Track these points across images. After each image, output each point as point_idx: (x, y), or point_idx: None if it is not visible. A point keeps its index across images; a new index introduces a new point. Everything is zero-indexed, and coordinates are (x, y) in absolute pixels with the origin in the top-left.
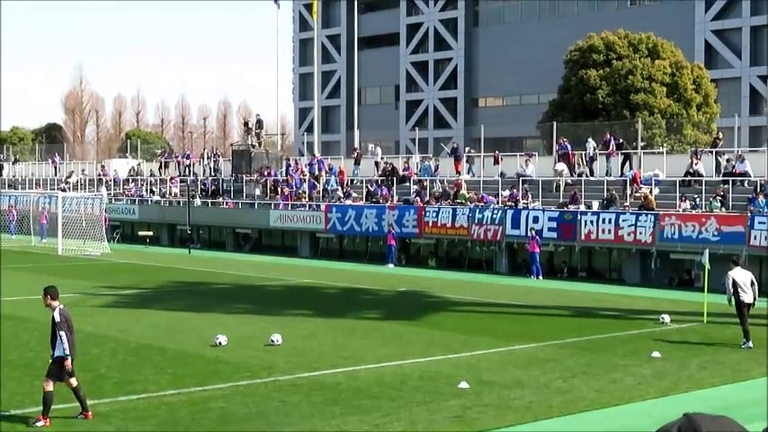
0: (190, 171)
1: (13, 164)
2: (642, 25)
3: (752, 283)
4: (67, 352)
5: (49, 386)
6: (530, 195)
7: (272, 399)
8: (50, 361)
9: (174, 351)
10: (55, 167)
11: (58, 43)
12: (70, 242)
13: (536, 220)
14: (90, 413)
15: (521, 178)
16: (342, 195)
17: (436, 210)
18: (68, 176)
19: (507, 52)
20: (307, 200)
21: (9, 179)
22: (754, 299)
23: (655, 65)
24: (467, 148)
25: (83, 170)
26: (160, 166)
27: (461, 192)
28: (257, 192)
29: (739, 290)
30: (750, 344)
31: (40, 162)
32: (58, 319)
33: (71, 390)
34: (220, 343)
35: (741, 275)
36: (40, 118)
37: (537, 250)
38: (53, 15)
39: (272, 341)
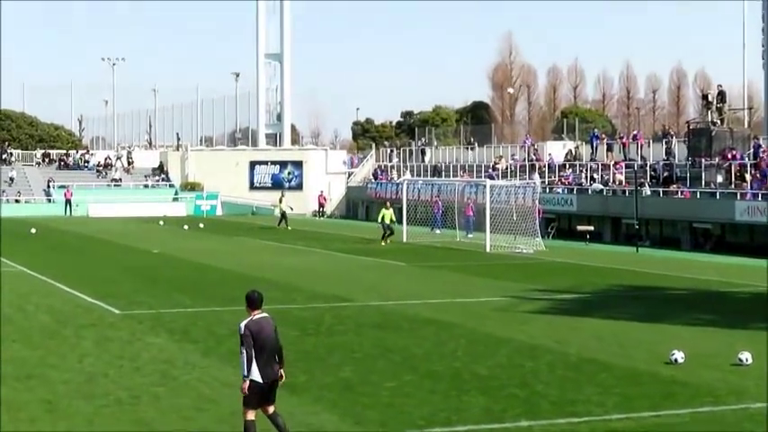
0: (637, 154)
1: (435, 148)
2: None
3: None
4: (245, 372)
5: (249, 415)
6: None
7: (740, 430)
8: None
9: (620, 368)
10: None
11: (487, 12)
12: (499, 237)
13: None
14: None
15: None
16: None
17: None
18: (496, 162)
19: None
20: None
21: (432, 165)
22: None
23: None
24: None
25: (512, 155)
26: (594, 150)
27: None
28: (719, 179)
29: None
30: None
31: (465, 146)
32: (241, 331)
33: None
34: (676, 360)
35: None
36: (465, 96)
37: None
38: None
39: (741, 360)
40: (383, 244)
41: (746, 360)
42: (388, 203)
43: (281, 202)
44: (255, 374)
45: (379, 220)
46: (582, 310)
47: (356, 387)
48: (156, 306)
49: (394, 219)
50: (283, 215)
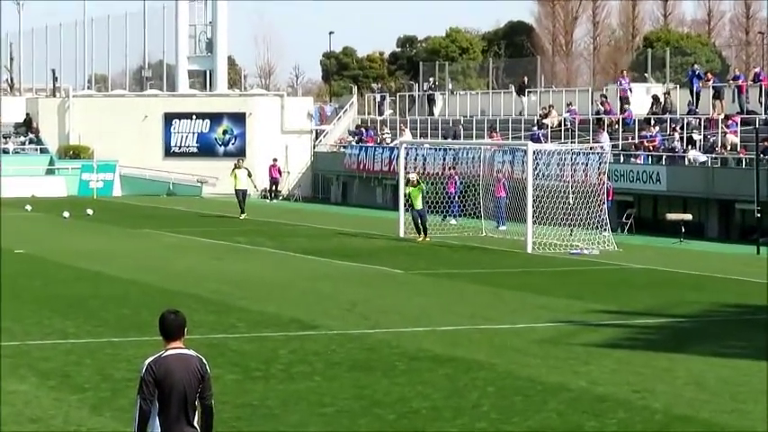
0: (761, 105)
1: (450, 95)
2: None
3: None
4: None
5: None
6: None
7: None
8: None
9: (731, 429)
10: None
11: None
12: (547, 231)
13: None
14: None
15: None
16: None
17: None
18: (544, 115)
19: None
20: None
21: (444, 120)
22: None
23: None
24: None
25: (569, 104)
26: (694, 98)
27: None
28: None
29: None
30: None
31: (495, 91)
32: (141, 373)
33: None
34: None
35: None
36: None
37: None
38: None
39: None
40: (425, 239)
41: None
42: (412, 177)
43: (236, 169)
44: None
45: (405, 203)
46: (673, 342)
47: None
48: (21, 336)
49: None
50: (241, 197)
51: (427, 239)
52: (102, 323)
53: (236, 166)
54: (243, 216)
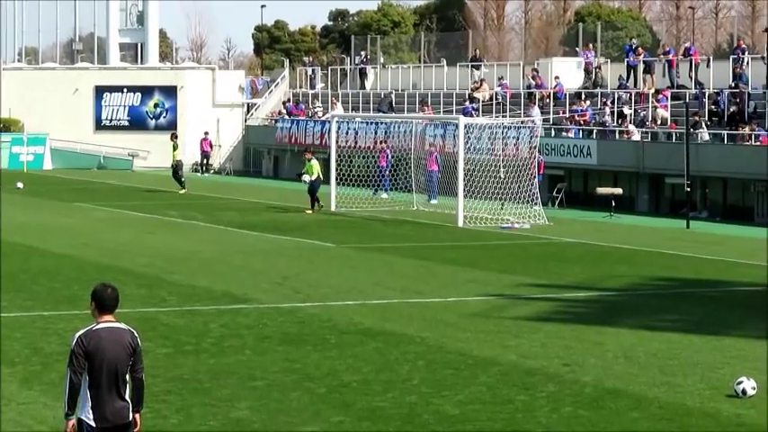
0: (690, 79)
1: (382, 68)
2: None
3: None
4: (66, 408)
5: None
6: None
7: None
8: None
9: (661, 404)
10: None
11: None
12: (478, 205)
13: None
14: None
15: None
16: None
17: None
18: (475, 89)
19: None
20: None
21: (376, 93)
22: None
23: None
24: None
25: (500, 78)
26: (628, 74)
27: None
28: None
29: None
30: None
31: (427, 64)
32: (71, 346)
33: None
34: (744, 391)
35: None
36: None
37: None
38: None
39: (739, 391)
40: (310, 212)
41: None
42: (310, 152)
43: (175, 148)
44: (87, 413)
45: (304, 176)
46: (604, 316)
47: None
48: None
49: (321, 176)
50: (177, 169)
51: (311, 212)
52: (32, 297)
53: (173, 141)
54: (180, 188)
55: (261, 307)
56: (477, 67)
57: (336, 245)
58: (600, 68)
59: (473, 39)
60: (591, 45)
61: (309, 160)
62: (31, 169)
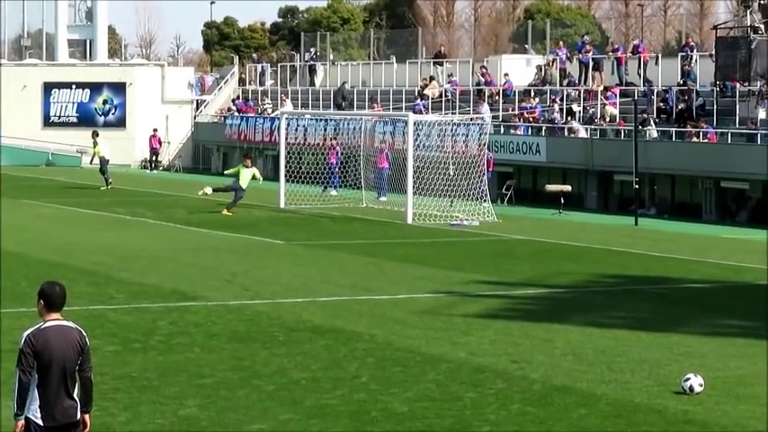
0: (639, 77)
1: (332, 65)
2: None
3: None
4: (15, 408)
5: None
6: None
7: None
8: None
9: (609, 400)
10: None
11: None
12: (427, 202)
13: None
14: None
15: None
16: None
17: None
18: (424, 86)
19: None
20: None
21: (326, 90)
22: None
23: None
24: None
25: (449, 75)
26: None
27: None
28: (761, 114)
29: None
30: None
31: (376, 61)
32: (20, 345)
33: None
34: (692, 388)
35: None
36: None
37: None
38: None
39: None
40: (228, 213)
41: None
42: (250, 158)
43: (95, 145)
44: (34, 412)
45: (232, 180)
46: (552, 313)
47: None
48: None
49: (259, 177)
50: (103, 166)
51: (228, 213)
52: None
53: (94, 139)
54: (106, 184)
55: (209, 304)
56: (441, 64)
57: (286, 242)
58: (549, 65)
59: (423, 36)
60: (561, 43)
61: (246, 166)
62: None
